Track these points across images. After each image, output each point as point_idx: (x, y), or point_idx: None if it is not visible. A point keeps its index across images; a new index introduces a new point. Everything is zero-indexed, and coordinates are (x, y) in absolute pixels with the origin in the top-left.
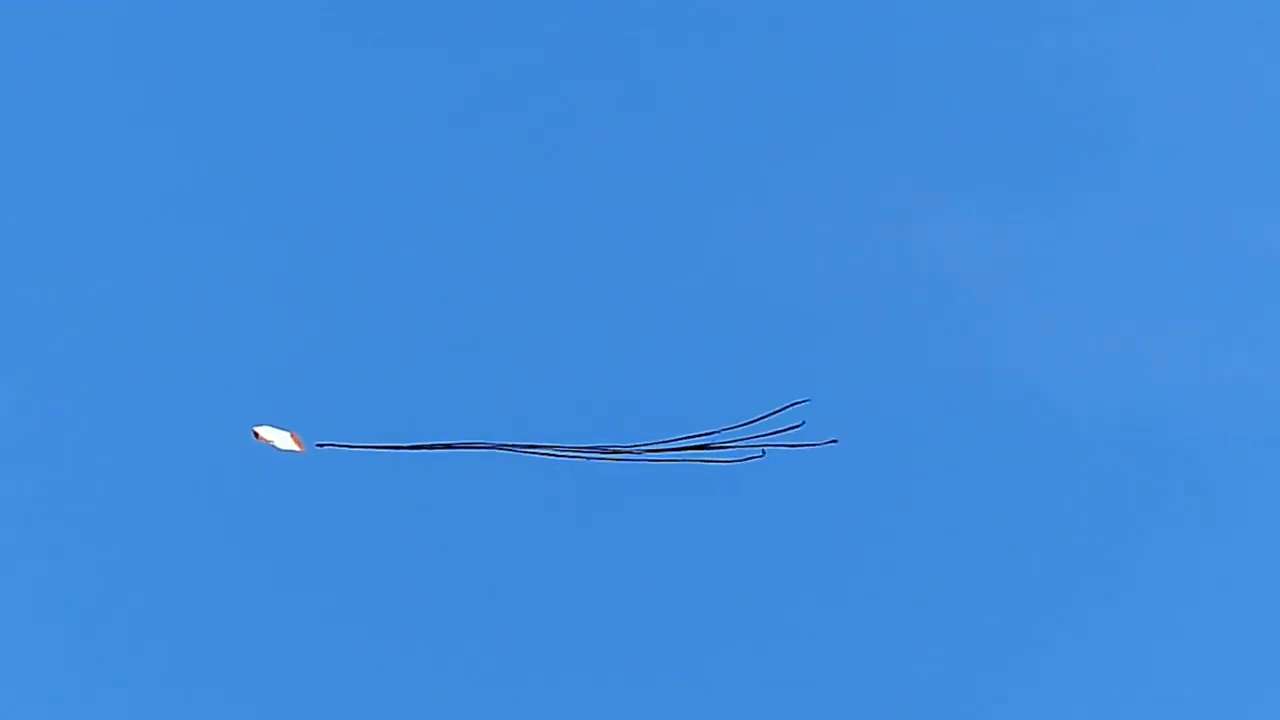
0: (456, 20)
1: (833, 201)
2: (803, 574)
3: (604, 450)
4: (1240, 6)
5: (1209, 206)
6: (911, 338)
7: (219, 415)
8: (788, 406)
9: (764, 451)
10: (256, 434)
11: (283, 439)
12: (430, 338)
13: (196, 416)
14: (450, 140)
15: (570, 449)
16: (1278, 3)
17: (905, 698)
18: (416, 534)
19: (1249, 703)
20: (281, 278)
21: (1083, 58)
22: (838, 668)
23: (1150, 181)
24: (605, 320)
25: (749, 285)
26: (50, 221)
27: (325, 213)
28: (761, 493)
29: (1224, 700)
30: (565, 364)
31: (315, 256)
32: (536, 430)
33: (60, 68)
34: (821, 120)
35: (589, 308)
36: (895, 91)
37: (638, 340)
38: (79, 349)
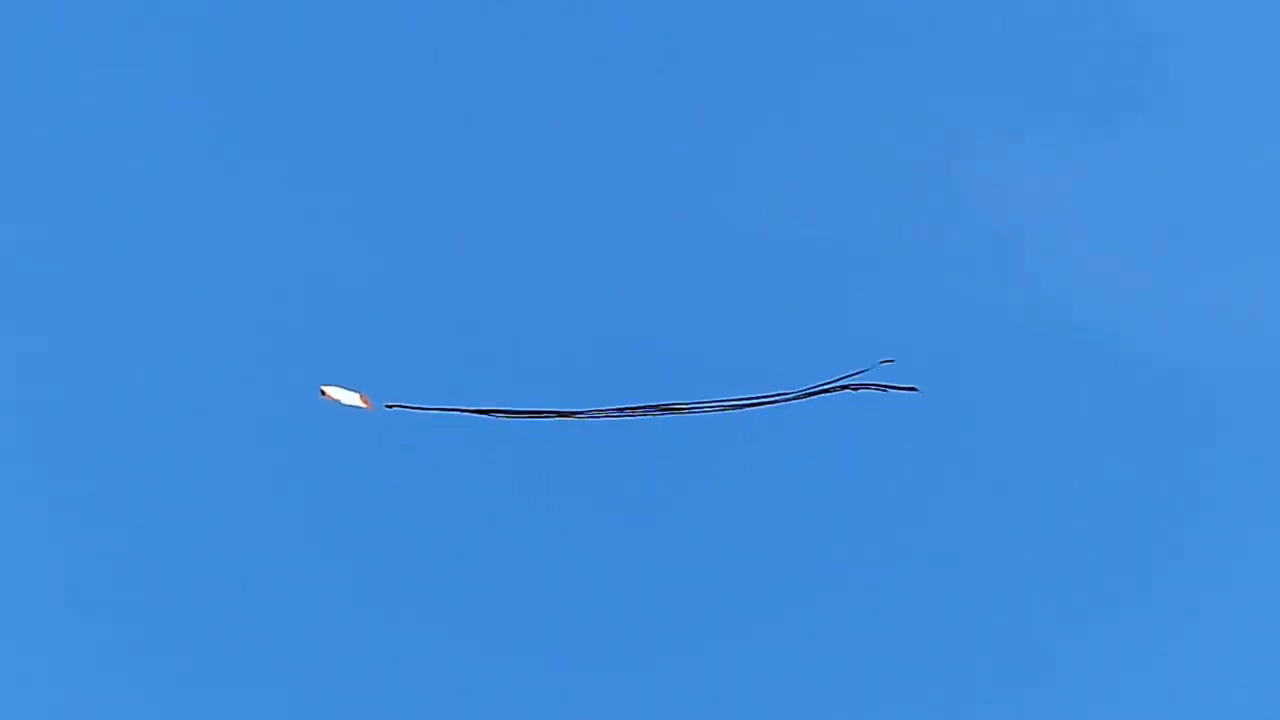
0: None
1: (888, 137)
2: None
3: (666, 408)
4: None
5: (1267, 135)
6: (973, 277)
7: (304, 374)
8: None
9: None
10: (324, 392)
11: (350, 397)
12: (514, 308)
13: (280, 378)
14: (521, 103)
15: (637, 409)
16: None
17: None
18: (491, 497)
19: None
20: (363, 248)
21: None
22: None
23: (1217, 118)
24: (663, 278)
25: (808, 229)
26: (119, 196)
27: (409, 188)
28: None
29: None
30: (618, 332)
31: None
32: (601, 399)
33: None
34: (879, 60)
35: (650, 273)
36: (950, 29)
37: (694, 290)
38: (150, 313)
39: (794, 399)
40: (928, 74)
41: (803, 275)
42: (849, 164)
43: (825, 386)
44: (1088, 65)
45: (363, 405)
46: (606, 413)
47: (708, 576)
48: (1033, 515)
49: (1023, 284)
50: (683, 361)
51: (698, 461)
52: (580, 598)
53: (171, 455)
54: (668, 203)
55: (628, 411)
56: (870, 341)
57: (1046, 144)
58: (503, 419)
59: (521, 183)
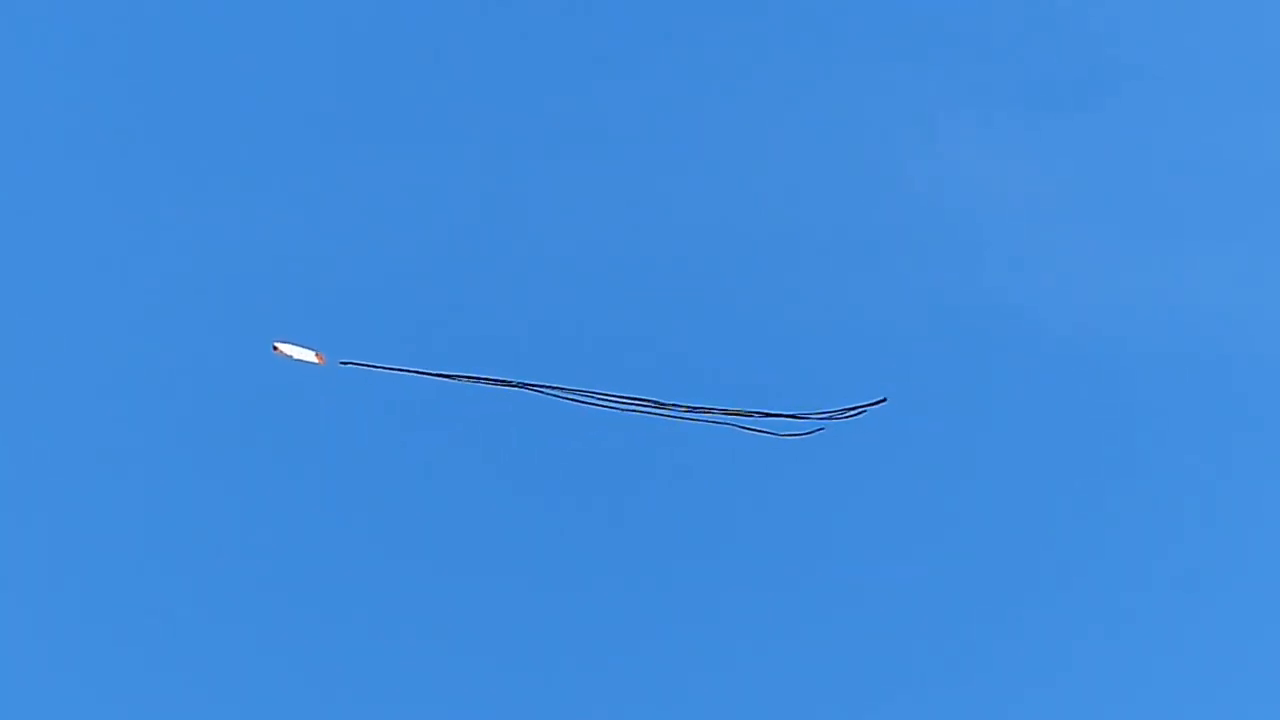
0: None
1: (846, 127)
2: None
3: (640, 403)
4: None
5: (1225, 126)
6: (931, 268)
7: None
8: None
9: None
10: (277, 348)
11: (304, 353)
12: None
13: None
14: (508, 71)
15: (603, 397)
16: None
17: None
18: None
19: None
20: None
21: None
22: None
23: (1177, 108)
24: (634, 257)
25: (758, 220)
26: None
27: (397, 151)
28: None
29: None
30: (602, 310)
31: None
32: (581, 378)
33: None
34: (834, 43)
35: (631, 248)
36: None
37: (653, 287)
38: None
39: (765, 424)
40: (885, 63)
41: (755, 268)
42: (807, 156)
43: (805, 418)
44: (1047, 54)
45: (316, 361)
46: (572, 392)
47: (647, 562)
48: (991, 509)
49: (982, 274)
50: (651, 355)
51: (652, 457)
52: (525, 571)
53: (118, 412)
54: (629, 194)
55: (593, 396)
56: (826, 332)
57: (1007, 133)
58: (463, 384)
59: (499, 162)
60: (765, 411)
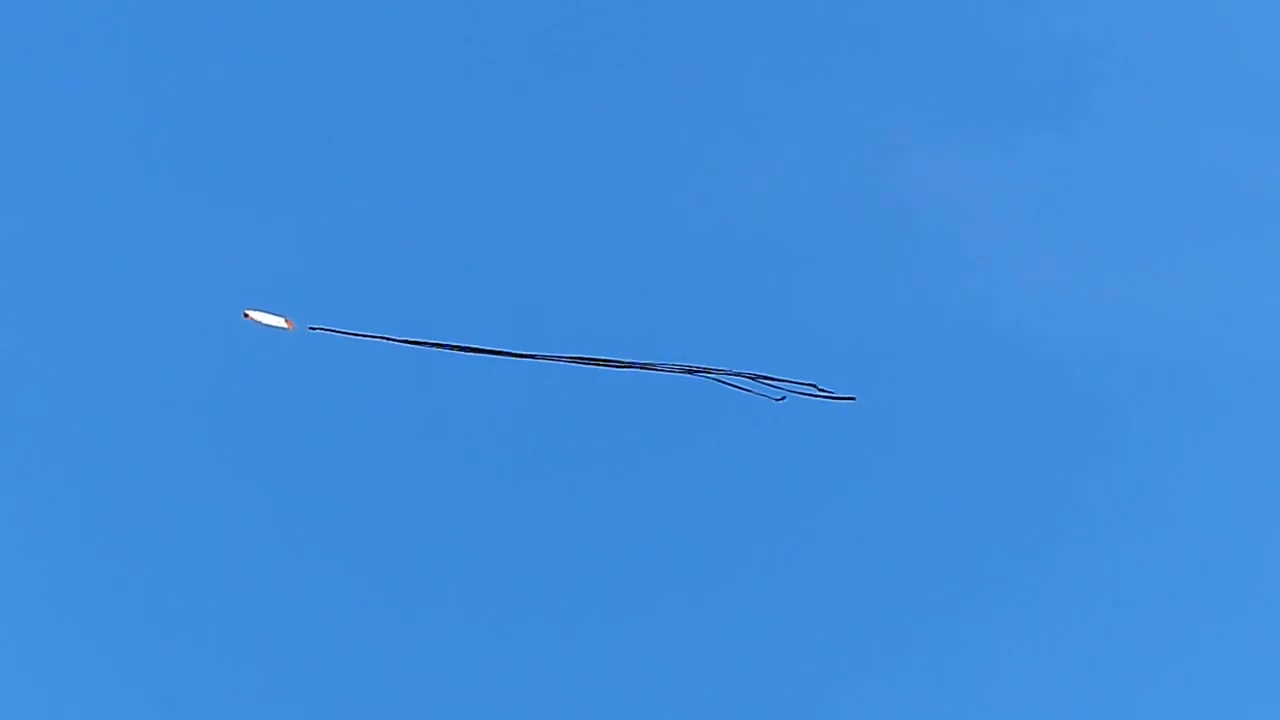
0: None
1: (815, 138)
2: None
3: (598, 361)
4: None
5: (1188, 139)
6: (898, 278)
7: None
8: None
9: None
10: (247, 314)
11: (273, 319)
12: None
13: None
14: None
15: (569, 358)
16: None
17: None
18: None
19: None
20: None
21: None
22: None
23: (1126, 115)
24: (617, 242)
25: (727, 226)
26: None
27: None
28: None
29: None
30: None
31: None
32: (552, 346)
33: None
34: (809, 56)
35: (609, 231)
36: (884, 26)
37: (638, 264)
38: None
39: (737, 380)
40: (853, 77)
41: (722, 271)
42: (777, 164)
43: (768, 379)
44: (1010, 69)
45: (285, 327)
46: (540, 355)
47: (612, 528)
48: (952, 510)
49: (948, 285)
50: (623, 329)
51: (620, 416)
52: (488, 540)
53: (90, 382)
54: (616, 191)
55: (562, 358)
56: (796, 340)
57: (973, 146)
58: (431, 351)
59: (470, 136)
60: (695, 367)
